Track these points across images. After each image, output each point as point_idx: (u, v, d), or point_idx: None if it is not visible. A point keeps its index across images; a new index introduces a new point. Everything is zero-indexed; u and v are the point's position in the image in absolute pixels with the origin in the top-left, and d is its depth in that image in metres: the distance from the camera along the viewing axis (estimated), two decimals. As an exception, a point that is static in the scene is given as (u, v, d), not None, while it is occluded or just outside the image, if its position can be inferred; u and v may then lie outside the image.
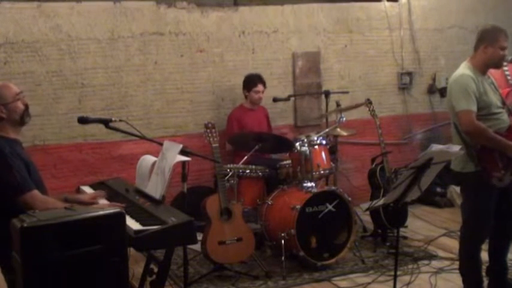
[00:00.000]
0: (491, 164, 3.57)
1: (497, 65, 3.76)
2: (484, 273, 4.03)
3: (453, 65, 6.69)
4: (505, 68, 5.16)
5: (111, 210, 2.69)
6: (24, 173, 3.10)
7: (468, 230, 3.82)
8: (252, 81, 5.41)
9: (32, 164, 3.24)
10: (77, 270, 2.51)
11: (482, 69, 3.68)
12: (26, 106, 3.26)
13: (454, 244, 4.99)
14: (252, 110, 5.49)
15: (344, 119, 5.25)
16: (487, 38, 3.64)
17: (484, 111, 3.60)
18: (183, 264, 3.66)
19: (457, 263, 4.16)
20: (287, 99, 5.75)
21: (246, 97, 5.49)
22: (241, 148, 5.08)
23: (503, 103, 3.73)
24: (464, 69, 3.68)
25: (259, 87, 5.40)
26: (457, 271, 4.14)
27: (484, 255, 3.92)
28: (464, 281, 3.91)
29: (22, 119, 3.24)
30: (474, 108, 3.55)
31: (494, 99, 3.67)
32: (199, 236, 3.97)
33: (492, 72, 3.83)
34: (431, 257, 4.78)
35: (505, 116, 3.68)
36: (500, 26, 3.74)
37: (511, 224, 3.87)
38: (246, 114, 5.45)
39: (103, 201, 3.55)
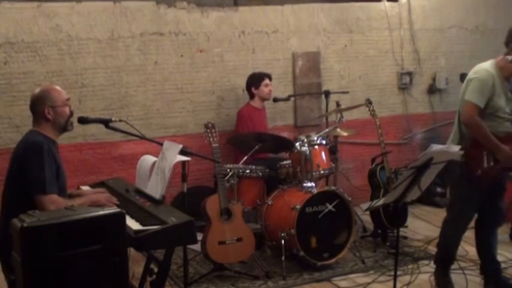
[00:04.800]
0: (476, 161, 3.68)
1: None
2: (478, 272, 4.16)
3: (453, 65, 6.72)
4: None
5: (111, 210, 2.69)
6: (53, 174, 3.12)
7: (450, 214, 3.99)
8: (259, 77, 5.39)
9: (62, 167, 3.26)
10: (77, 270, 2.51)
11: (506, 74, 3.73)
12: (71, 113, 3.31)
13: (454, 244, 4.99)
14: (258, 110, 5.45)
15: (344, 119, 5.26)
16: None
17: (491, 110, 3.70)
18: (183, 264, 3.67)
19: (457, 263, 4.17)
20: (287, 99, 5.74)
21: (253, 96, 5.43)
22: (242, 148, 5.07)
23: None
24: (490, 66, 3.74)
25: (267, 80, 5.40)
26: (457, 271, 4.16)
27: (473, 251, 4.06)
28: (436, 258, 4.12)
29: (66, 124, 3.28)
30: (482, 105, 3.65)
31: (504, 105, 3.74)
32: (199, 236, 3.97)
33: None
34: (431, 257, 4.76)
35: (507, 123, 3.76)
36: None
37: (491, 220, 3.99)
38: (255, 113, 5.41)
39: (86, 188, 3.70)
